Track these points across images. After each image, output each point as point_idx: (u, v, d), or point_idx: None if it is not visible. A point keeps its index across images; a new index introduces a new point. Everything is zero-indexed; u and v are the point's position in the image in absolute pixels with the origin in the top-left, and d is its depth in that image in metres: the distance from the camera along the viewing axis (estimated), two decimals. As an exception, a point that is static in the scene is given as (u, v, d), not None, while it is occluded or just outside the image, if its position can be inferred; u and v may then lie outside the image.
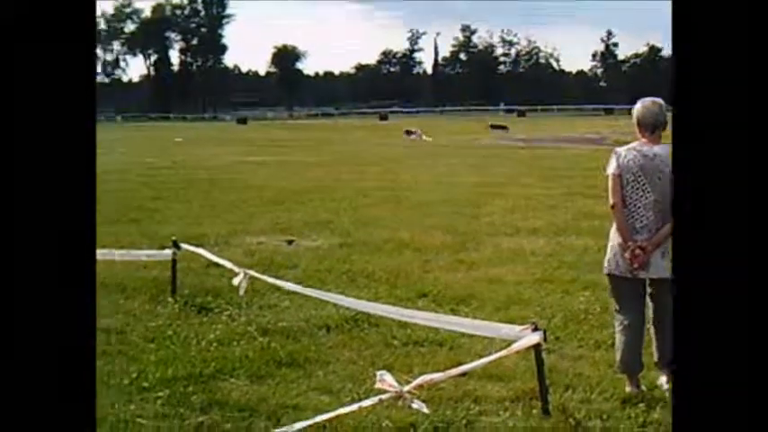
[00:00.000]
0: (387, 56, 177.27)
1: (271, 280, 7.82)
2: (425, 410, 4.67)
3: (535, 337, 5.18)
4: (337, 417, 4.78)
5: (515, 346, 5.20)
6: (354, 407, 4.73)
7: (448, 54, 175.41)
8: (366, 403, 4.68)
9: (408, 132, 52.96)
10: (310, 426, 4.62)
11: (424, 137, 50.52)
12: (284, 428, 4.53)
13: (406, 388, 4.56)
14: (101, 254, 9.94)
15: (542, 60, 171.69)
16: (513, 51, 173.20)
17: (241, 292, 7.82)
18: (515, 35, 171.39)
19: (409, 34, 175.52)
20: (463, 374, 5.63)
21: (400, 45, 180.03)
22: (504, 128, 57.40)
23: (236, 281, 7.85)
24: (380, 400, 4.61)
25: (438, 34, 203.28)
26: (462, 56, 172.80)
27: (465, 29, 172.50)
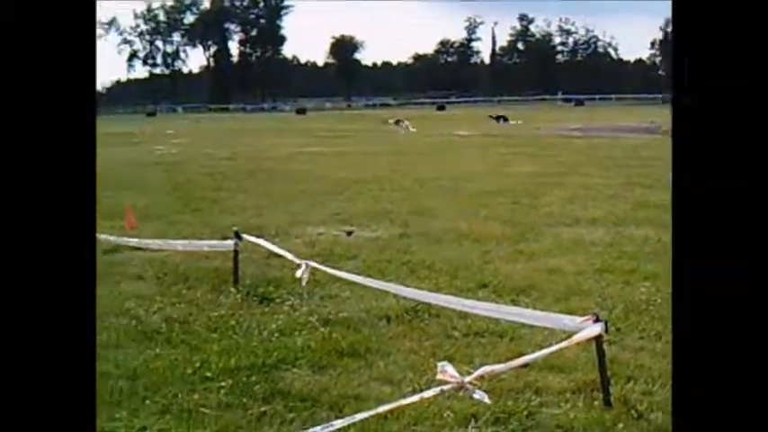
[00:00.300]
0: (444, 45, 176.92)
1: (331, 271, 7.86)
2: (487, 401, 4.68)
3: (596, 329, 5.17)
4: (398, 407, 4.81)
5: (576, 338, 5.19)
6: (416, 397, 4.75)
7: (506, 44, 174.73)
8: (428, 394, 4.69)
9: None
10: (372, 416, 4.66)
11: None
12: (346, 418, 4.57)
13: (468, 379, 4.58)
14: (165, 244, 10.12)
15: (600, 49, 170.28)
16: (570, 40, 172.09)
17: (303, 282, 7.87)
18: (573, 24, 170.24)
19: (467, 24, 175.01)
20: (524, 365, 5.63)
21: (458, 35, 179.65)
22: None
23: (297, 272, 7.91)
24: (442, 391, 4.62)
25: (496, 24, 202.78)
26: (520, 45, 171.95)
27: (523, 18, 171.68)
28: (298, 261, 8.08)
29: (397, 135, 45.32)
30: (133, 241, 10.33)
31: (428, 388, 5.05)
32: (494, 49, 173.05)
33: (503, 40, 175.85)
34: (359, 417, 4.52)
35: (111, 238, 10.46)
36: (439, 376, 4.61)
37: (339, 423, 4.45)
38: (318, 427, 4.32)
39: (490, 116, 60.50)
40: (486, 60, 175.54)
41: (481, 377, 4.72)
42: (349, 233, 12.81)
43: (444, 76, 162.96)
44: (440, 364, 4.69)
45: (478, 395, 4.55)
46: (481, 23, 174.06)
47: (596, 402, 5.50)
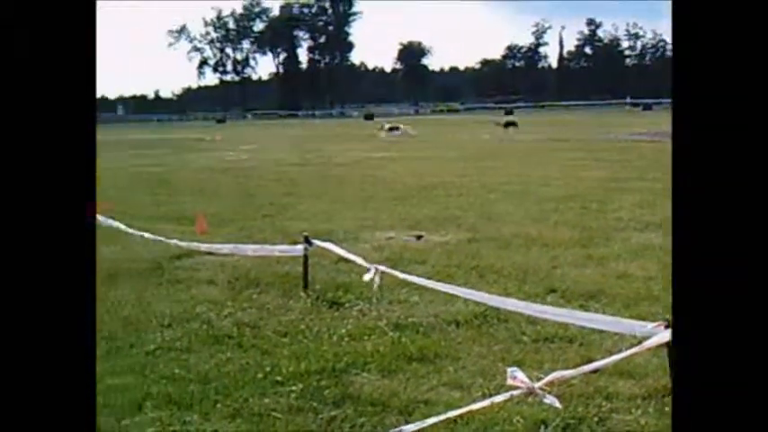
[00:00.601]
0: (512, 50, 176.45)
1: (401, 275, 7.88)
2: (558, 405, 4.66)
3: (667, 335, 5.12)
4: (468, 412, 4.81)
5: (647, 344, 5.14)
6: (486, 402, 4.75)
7: (573, 48, 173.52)
8: (498, 399, 4.69)
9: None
10: (441, 421, 4.67)
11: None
12: (417, 423, 4.58)
13: (538, 384, 4.57)
14: (236, 249, 10.24)
15: (669, 53, 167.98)
16: (638, 44, 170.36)
17: (375, 287, 7.91)
18: (641, 28, 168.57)
19: (534, 28, 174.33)
20: (594, 371, 5.60)
21: (525, 40, 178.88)
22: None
23: (367, 277, 7.94)
24: (512, 396, 4.62)
25: (563, 28, 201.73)
26: (588, 49, 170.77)
27: (590, 22, 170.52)
28: (367, 265, 8.12)
29: (463, 140, 45.21)
30: (205, 246, 10.46)
31: (498, 393, 5.05)
32: (561, 54, 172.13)
33: (570, 45, 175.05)
34: (429, 422, 4.53)
35: (183, 243, 10.61)
36: (509, 381, 4.60)
37: (409, 428, 4.47)
38: (388, 432, 4.35)
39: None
40: (554, 65, 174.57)
41: (551, 382, 4.70)
42: (418, 238, 12.83)
43: (512, 80, 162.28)
44: (509, 370, 4.68)
45: (549, 400, 4.54)
46: (549, 28, 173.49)
47: (667, 409, 5.43)
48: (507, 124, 55.08)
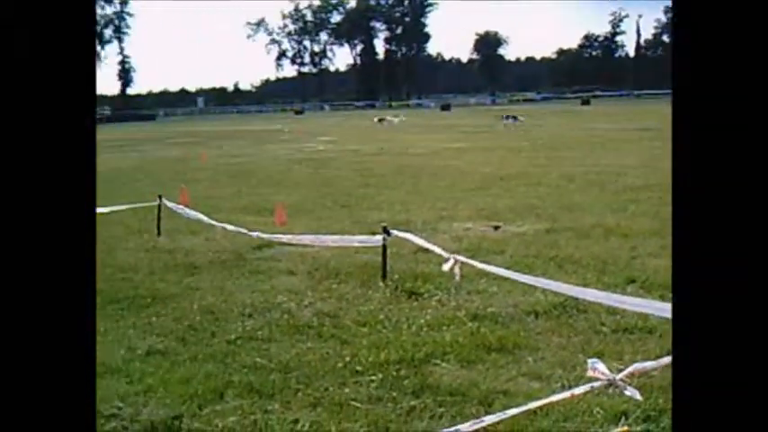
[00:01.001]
0: (588, 39, 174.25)
1: (479, 265, 7.86)
2: (638, 397, 4.62)
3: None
4: (549, 403, 4.80)
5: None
6: (566, 394, 4.73)
7: (651, 36, 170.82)
8: (578, 390, 4.68)
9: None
10: (522, 412, 4.66)
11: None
12: (497, 414, 4.59)
13: (619, 376, 4.54)
14: (316, 240, 10.33)
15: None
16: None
17: (456, 277, 7.91)
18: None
19: (611, 17, 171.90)
20: (676, 363, 5.54)
21: (602, 29, 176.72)
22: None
23: (445, 267, 7.95)
24: (592, 388, 4.60)
25: (640, 17, 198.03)
26: (665, 38, 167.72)
27: (668, 10, 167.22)
28: (445, 255, 8.13)
29: (540, 129, 44.88)
30: (285, 237, 10.57)
31: (578, 384, 5.03)
32: (638, 43, 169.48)
33: (648, 33, 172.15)
34: (510, 413, 4.53)
35: (264, 234, 10.74)
36: (589, 373, 4.58)
37: (489, 419, 4.47)
38: (468, 423, 4.36)
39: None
40: (631, 54, 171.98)
41: (631, 374, 4.67)
42: (496, 228, 12.80)
43: (588, 70, 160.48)
44: (590, 361, 4.66)
45: (630, 392, 4.51)
46: (626, 17, 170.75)
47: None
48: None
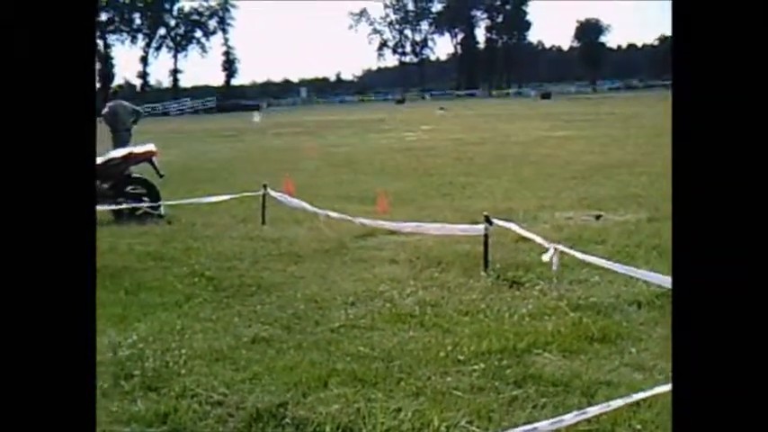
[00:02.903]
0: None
1: (580, 255, 7.82)
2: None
3: None
4: (653, 395, 4.75)
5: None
6: (670, 386, 4.69)
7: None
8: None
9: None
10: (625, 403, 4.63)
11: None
12: (600, 405, 4.57)
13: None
14: (419, 228, 10.37)
15: None
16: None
17: (554, 267, 7.88)
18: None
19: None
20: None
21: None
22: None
23: (546, 256, 7.93)
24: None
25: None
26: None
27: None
28: (547, 245, 8.10)
29: (642, 117, 44.13)
30: (388, 225, 10.63)
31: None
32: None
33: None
34: (614, 404, 4.50)
35: (367, 221, 10.82)
36: (693, 364, 4.53)
37: (592, 410, 4.46)
38: (572, 413, 4.36)
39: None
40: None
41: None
42: (597, 217, 12.68)
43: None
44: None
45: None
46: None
47: None
48: None
